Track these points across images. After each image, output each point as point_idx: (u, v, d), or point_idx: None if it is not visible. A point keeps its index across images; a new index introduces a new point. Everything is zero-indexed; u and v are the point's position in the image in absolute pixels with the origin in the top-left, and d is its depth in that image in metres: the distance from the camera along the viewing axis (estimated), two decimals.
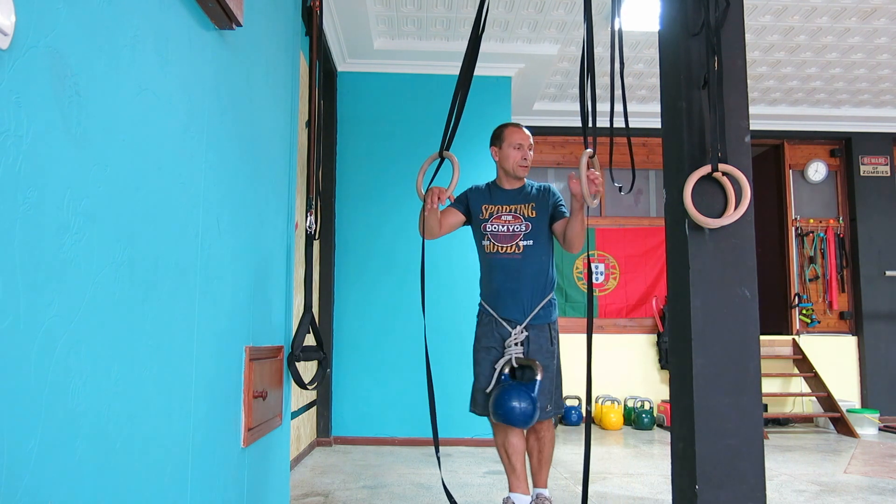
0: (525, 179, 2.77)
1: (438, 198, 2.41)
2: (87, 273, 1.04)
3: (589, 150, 2.15)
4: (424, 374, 2.44)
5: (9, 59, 0.85)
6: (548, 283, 2.67)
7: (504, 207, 2.69)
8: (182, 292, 1.44)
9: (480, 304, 2.77)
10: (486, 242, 2.69)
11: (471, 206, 2.75)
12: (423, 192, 2.45)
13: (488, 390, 2.58)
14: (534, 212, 2.66)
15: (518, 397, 2.45)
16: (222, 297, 1.71)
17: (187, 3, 1.47)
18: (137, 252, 1.21)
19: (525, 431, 2.67)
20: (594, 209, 6.28)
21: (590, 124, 2.07)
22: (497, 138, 2.74)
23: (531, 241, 2.64)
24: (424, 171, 2.48)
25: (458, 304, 4.53)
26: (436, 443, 2.46)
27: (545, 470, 2.71)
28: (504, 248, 2.65)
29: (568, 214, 2.63)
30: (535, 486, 2.72)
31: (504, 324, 2.63)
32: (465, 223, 2.79)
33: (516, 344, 2.58)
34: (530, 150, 2.70)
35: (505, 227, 2.67)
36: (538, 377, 2.48)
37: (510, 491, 2.64)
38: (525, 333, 2.59)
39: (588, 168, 2.21)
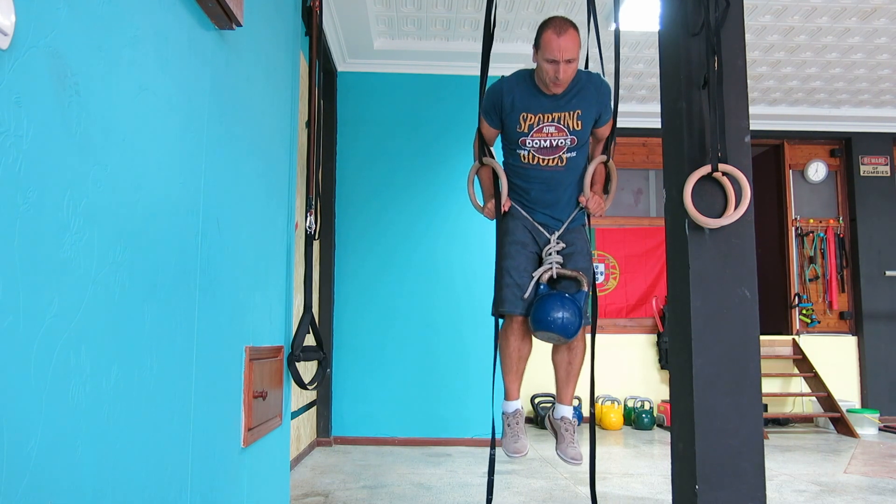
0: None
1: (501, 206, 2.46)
2: (87, 273, 1.04)
3: (603, 156, 2.15)
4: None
5: (9, 59, 0.85)
6: (583, 185, 2.51)
7: (546, 116, 2.42)
8: (182, 292, 1.44)
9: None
10: (522, 152, 2.46)
11: (505, 117, 2.49)
12: (480, 205, 2.56)
13: (525, 296, 2.39)
14: (579, 122, 2.40)
15: (564, 307, 2.29)
16: (222, 297, 1.71)
17: (187, 3, 1.47)
18: (137, 252, 1.21)
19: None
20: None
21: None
22: (537, 41, 2.36)
23: (574, 153, 2.44)
24: (472, 180, 2.55)
25: (457, 303, 4.54)
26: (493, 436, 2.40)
27: (572, 384, 2.52)
28: (546, 161, 2.44)
29: (611, 119, 2.47)
30: (559, 401, 2.53)
31: (540, 228, 2.47)
32: None
33: (557, 252, 2.42)
34: (570, 62, 2.29)
35: (547, 142, 2.43)
36: (584, 288, 2.36)
37: (508, 399, 2.50)
38: (561, 243, 2.44)
39: (598, 173, 2.30)
